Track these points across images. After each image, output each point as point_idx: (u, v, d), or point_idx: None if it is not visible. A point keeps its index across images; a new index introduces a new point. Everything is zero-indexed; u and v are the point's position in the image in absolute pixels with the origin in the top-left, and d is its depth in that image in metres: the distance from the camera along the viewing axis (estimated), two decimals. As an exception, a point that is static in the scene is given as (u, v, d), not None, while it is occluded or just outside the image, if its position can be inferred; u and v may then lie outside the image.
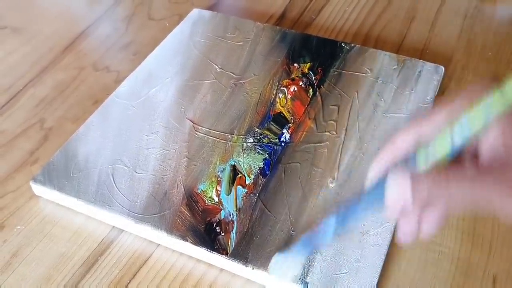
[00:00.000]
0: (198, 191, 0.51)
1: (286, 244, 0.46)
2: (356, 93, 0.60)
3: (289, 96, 0.60)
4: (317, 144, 0.55)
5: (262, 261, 0.46)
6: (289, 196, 0.51)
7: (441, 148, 0.31)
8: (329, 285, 0.45)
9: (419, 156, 0.32)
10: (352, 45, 0.66)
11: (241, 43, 0.67)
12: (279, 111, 0.59)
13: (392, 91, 0.60)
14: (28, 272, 0.48)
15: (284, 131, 0.57)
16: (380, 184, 0.33)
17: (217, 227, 0.49)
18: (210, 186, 0.52)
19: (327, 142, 0.56)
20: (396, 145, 0.34)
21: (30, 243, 0.50)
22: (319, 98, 0.60)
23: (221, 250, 0.47)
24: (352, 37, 0.72)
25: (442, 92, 0.63)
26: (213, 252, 0.47)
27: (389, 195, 0.32)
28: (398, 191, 0.31)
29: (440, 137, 0.31)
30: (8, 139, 0.59)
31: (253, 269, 0.46)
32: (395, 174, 0.31)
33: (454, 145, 0.30)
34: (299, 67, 0.64)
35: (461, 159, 0.32)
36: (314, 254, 0.46)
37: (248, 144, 0.56)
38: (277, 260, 0.39)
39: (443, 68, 0.63)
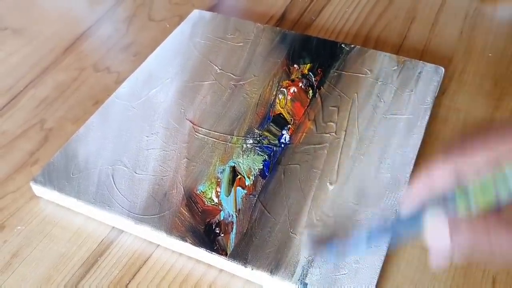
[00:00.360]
0: (198, 192, 0.52)
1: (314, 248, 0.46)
2: (356, 94, 0.60)
3: (289, 97, 0.60)
4: (316, 146, 0.56)
5: (261, 262, 0.46)
6: (289, 197, 0.51)
7: (484, 197, 0.30)
8: (328, 286, 0.45)
9: (459, 199, 0.31)
10: (352, 46, 0.66)
11: (241, 44, 0.67)
12: (278, 112, 0.59)
13: (392, 92, 0.61)
14: (28, 273, 0.48)
15: (284, 132, 0.57)
16: (415, 218, 0.33)
17: (217, 228, 0.49)
18: (209, 187, 0.52)
19: (327, 144, 0.56)
20: (433, 178, 0.33)
21: (30, 244, 0.50)
22: (319, 99, 0.60)
23: (221, 250, 0.47)
24: (352, 38, 0.72)
25: (442, 93, 0.63)
26: (213, 252, 0.47)
27: (427, 236, 0.32)
28: (436, 235, 0.32)
29: (483, 185, 0.30)
30: (9, 140, 0.60)
31: (252, 269, 0.46)
32: (433, 215, 0.32)
33: (498, 196, 0.30)
34: (299, 68, 0.64)
35: (502, 209, 0.31)
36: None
37: (248, 145, 0.56)
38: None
39: (443, 69, 0.63)
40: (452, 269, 0.48)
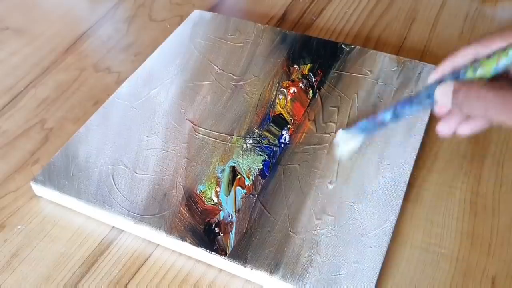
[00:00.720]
0: (198, 192, 0.52)
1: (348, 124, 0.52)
2: (356, 94, 0.61)
3: (289, 98, 0.60)
4: (316, 146, 0.56)
5: (260, 262, 0.46)
6: (288, 197, 0.51)
7: (487, 67, 0.38)
8: (328, 286, 0.45)
9: (469, 70, 0.38)
10: (352, 46, 0.66)
11: (242, 44, 0.67)
12: (278, 112, 0.59)
13: (392, 92, 0.61)
14: (28, 272, 0.48)
15: (284, 132, 0.57)
16: (432, 87, 0.40)
17: (216, 228, 0.49)
18: (209, 187, 0.52)
19: (327, 144, 0.56)
20: (455, 58, 0.40)
21: (30, 243, 0.51)
22: (319, 99, 0.60)
23: (220, 250, 0.47)
24: (353, 38, 0.72)
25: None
26: (212, 252, 0.47)
27: (437, 96, 0.39)
28: (442, 94, 0.39)
29: (490, 59, 0.37)
30: (9, 140, 0.60)
31: (251, 269, 0.46)
32: (446, 80, 0.39)
33: (498, 66, 0.37)
34: (299, 68, 0.64)
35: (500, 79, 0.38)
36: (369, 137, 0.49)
37: (248, 145, 0.56)
38: (341, 135, 0.46)
39: (443, 70, 0.63)
40: (452, 269, 0.48)
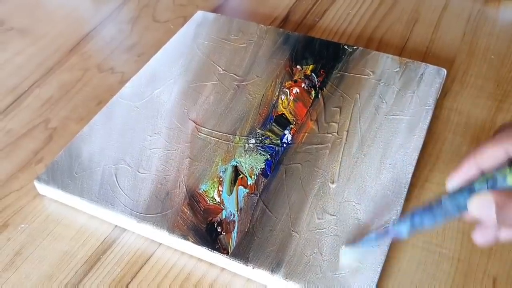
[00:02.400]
0: (200, 191, 0.52)
1: (355, 237, 0.48)
2: (358, 95, 0.61)
3: (291, 98, 0.61)
4: (318, 146, 0.56)
5: (262, 261, 0.47)
6: (290, 196, 0.51)
7: None
8: (329, 286, 0.45)
9: (509, 174, 0.32)
10: (354, 47, 0.66)
11: (245, 45, 0.68)
12: (281, 112, 0.59)
13: (394, 93, 0.61)
14: (31, 270, 0.49)
15: (286, 132, 0.57)
16: (462, 193, 0.34)
17: (218, 227, 0.49)
18: (212, 186, 0.52)
19: (329, 144, 0.56)
20: (482, 157, 0.34)
21: (34, 242, 0.51)
22: (321, 100, 0.60)
23: (222, 249, 0.48)
24: (355, 39, 0.72)
25: (444, 95, 0.63)
26: (214, 251, 0.47)
27: (473, 209, 0.34)
28: (482, 207, 0.33)
29: None
30: (13, 139, 0.60)
31: (253, 268, 0.46)
32: (480, 189, 0.33)
33: None
34: (302, 69, 0.64)
35: None
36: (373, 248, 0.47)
37: (250, 145, 0.56)
38: (344, 252, 0.45)
39: (445, 71, 0.63)
40: (453, 269, 0.48)
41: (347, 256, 0.45)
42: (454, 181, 0.35)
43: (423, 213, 0.37)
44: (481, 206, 0.33)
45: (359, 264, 0.45)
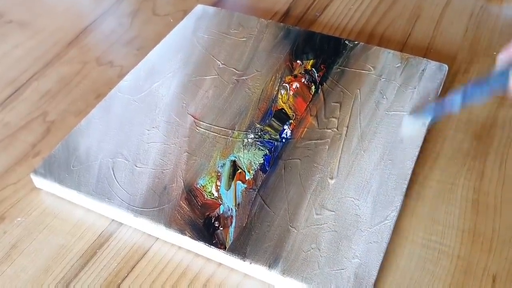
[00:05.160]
0: (198, 186, 0.51)
1: (416, 107, 0.54)
2: (358, 90, 0.60)
3: (291, 93, 0.60)
4: (318, 141, 0.55)
5: (260, 256, 0.46)
6: (289, 192, 0.51)
7: None
8: (327, 281, 0.45)
9: None
10: (355, 42, 0.66)
11: (245, 39, 0.67)
12: (280, 107, 0.59)
13: (395, 89, 0.60)
14: (27, 264, 0.48)
15: (285, 127, 0.57)
16: (506, 71, 0.39)
17: (216, 222, 0.49)
18: (209, 181, 0.52)
19: (328, 139, 0.55)
20: None
21: (30, 235, 0.51)
22: (321, 95, 0.60)
23: (219, 244, 0.47)
24: (356, 35, 0.72)
25: (445, 91, 0.62)
26: (211, 246, 0.47)
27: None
28: None
29: None
30: (11, 132, 0.60)
31: (250, 264, 0.46)
32: None
33: None
34: (302, 64, 0.63)
35: None
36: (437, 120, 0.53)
37: (249, 139, 0.56)
38: (407, 120, 0.51)
39: (446, 67, 0.62)
40: (453, 266, 0.48)
41: (409, 124, 0.50)
42: (503, 59, 0.40)
43: (474, 87, 0.41)
44: None
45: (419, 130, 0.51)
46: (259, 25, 0.69)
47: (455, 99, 0.43)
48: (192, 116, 0.58)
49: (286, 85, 0.61)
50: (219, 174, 0.52)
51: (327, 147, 0.55)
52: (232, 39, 0.67)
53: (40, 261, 0.49)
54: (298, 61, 0.64)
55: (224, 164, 0.53)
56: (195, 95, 0.60)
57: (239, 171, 0.53)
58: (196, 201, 0.50)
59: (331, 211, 0.49)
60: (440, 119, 0.47)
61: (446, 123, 0.59)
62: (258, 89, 0.61)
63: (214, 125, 0.57)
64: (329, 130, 0.56)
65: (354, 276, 0.45)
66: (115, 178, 0.52)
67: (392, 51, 0.65)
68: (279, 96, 0.60)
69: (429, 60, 0.63)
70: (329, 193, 0.51)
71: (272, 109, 0.59)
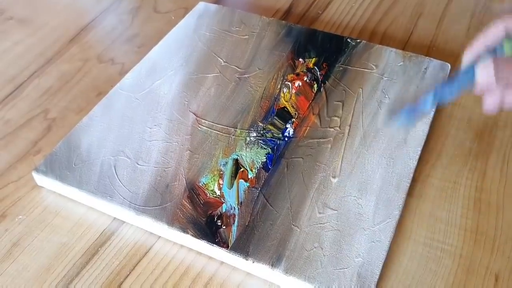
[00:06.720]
0: (200, 184, 0.51)
1: (391, 110, 0.57)
2: (361, 89, 0.60)
3: (293, 91, 0.60)
4: (320, 140, 0.55)
5: (262, 255, 0.46)
6: (291, 190, 0.51)
7: None
8: (330, 280, 0.45)
9: (506, 45, 0.39)
10: (358, 40, 0.66)
11: (246, 37, 0.67)
12: (283, 106, 0.59)
13: (398, 87, 0.60)
14: (29, 262, 0.48)
15: (288, 126, 0.56)
16: (471, 67, 0.40)
17: (218, 220, 0.49)
18: (212, 179, 0.52)
19: (331, 138, 0.55)
20: (487, 35, 0.41)
21: (31, 233, 0.50)
22: (323, 93, 0.60)
23: (222, 243, 0.47)
24: (358, 33, 0.71)
25: (447, 89, 0.62)
26: (214, 245, 0.47)
27: (478, 76, 0.40)
28: (484, 72, 0.40)
29: None
30: (12, 129, 0.60)
31: (253, 262, 0.46)
32: (483, 59, 0.40)
33: None
34: (304, 62, 0.63)
35: None
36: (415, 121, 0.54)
37: (251, 138, 0.55)
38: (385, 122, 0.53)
39: (449, 65, 0.62)
40: (455, 265, 0.48)
41: (386, 124, 0.53)
42: (467, 58, 0.42)
43: (444, 86, 0.43)
44: (483, 71, 0.40)
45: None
46: (261, 23, 0.69)
47: (427, 99, 0.44)
48: (194, 114, 0.58)
49: (289, 83, 0.61)
50: (221, 172, 0.52)
51: (329, 146, 0.54)
52: (234, 37, 0.67)
53: (42, 259, 0.48)
54: (300, 59, 0.64)
55: (226, 163, 0.53)
56: (197, 93, 0.60)
57: (242, 169, 0.53)
58: (199, 199, 0.50)
59: (334, 210, 0.49)
60: (415, 119, 0.48)
61: (447, 121, 0.59)
62: (260, 87, 0.61)
63: (216, 123, 0.57)
64: (332, 129, 0.56)
65: (357, 275, 0.45)
66: (117, 176, 0.52)
67: (394, 50, 0.64)
68: (282, 94, 0.60)
69: (432, 59, 0.63)
70: (331, 192, 0.51)
71: (275, 107, 0.58)
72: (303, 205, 0.50)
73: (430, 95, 0.44)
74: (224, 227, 0.48)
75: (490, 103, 0.42)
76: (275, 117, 0.57)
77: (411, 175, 0.52)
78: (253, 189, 0.51)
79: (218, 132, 0.56)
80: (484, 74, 0.40)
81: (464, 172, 0.54)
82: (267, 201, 0.50)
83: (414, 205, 0.52)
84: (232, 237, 0.47)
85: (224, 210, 0.49)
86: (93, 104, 0.60)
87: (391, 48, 0.65)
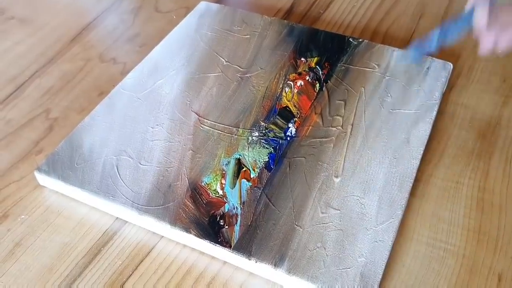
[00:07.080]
0: (203, 184, 0.51)
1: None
2: (363, 88, 0.60)
3: (295, 91, 0.60)
4: (322, 139, 0.55)
5: (265, 255, 0.46)
6: (294, 190, 0.51)
7: None
8: (333, 280, 0.45)
9: None
10: (360, 40, 0.65)
11: (248, 36, 0.67)
12: (285, 105, 0.59)
13: (400, 87, 0.60)
14: (31, 261, 0.48)
15: (290, 125, 0.56)
16: (472, 11, 0.48)
17: (221, 220, 0.49)
18: (214, 179, 0.52)
19: (333, 137, 0.55)
20: None
21: (34, 233, 0.50)
22: (325, 93, 0.60)
23: (225, 243, 0.47)
24: (360, 32, 0.71)
25: (450, 89, 0.62)
26: (217, 244, 0.47)
27: (475, 18, 0.49)
28: (480, 15, 0.48)
29: None
30: (14, 129, 0.59)
31: (256, 262, 0.46)
32: (480, 5, 0.48)
33: None
34: (306, 61, 0.63)
35: None
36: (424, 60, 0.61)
37: (254, 137, 0.55)
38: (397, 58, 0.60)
39: (451, 65, 0.62)
40: (458, 265, 0.47)
41: (401, 61, 0.59)
42: (469, 4, 0.50)
43: (447, 27, 0.50)
44: (479, 14, 0.48)
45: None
46: (263, 22, 0.68)
47: (433, 37, 0.51)
48: (196, 113, 0.58)
49: (291, 82, 0.61)
50: (224, 172, 0.52)
51: (332, 145, 0.54)
52: (236, 36, 0.67)
53: (44, 259, 0.48)
54: (302, 59, 0.63)
55: (229, 162, 0.53)
56: (199, 93, 0.60)
57: (244, 169, 0.52)
58: (201, 199, 0.50)
59: (337, 209, 0.49)
60: (422, 56, 0.57)
61: (450, 121, 0.59)
62: (262, 87, 0.61)
63: (219, 123, 0.57)
64: (334, 128, 0.56)
65: (360, 275, 0.45)
66: (119, 175, 0.52)
67: (396, 49, 0.64)
68: (284, 94, 0.60)
69: (434, 59, 0.63)
70: (334, 191, 0.51)
71: (277, 107, 0.58)
72: (305, 204, 0.50)
73: (436, 34, 0.50)
74: (226, 226, 0.48)
75: (485, 45, 0.49)
76: (277, 117, 0.57)
77: (414, 175, 0.52)
78: (256, 188, 0.51)
79: (220, 132, 0.56)
80: (480, 17, 0.48)
81: (467, 172, 0.54)
82: (269, 200, 0.50)
83: (417, 205, 0.52)
84: (235, 237, 0.47)
85: (226, 210, 0.49)
86: (95, 103, 0.60)
87: (393, 48, 0.65)
